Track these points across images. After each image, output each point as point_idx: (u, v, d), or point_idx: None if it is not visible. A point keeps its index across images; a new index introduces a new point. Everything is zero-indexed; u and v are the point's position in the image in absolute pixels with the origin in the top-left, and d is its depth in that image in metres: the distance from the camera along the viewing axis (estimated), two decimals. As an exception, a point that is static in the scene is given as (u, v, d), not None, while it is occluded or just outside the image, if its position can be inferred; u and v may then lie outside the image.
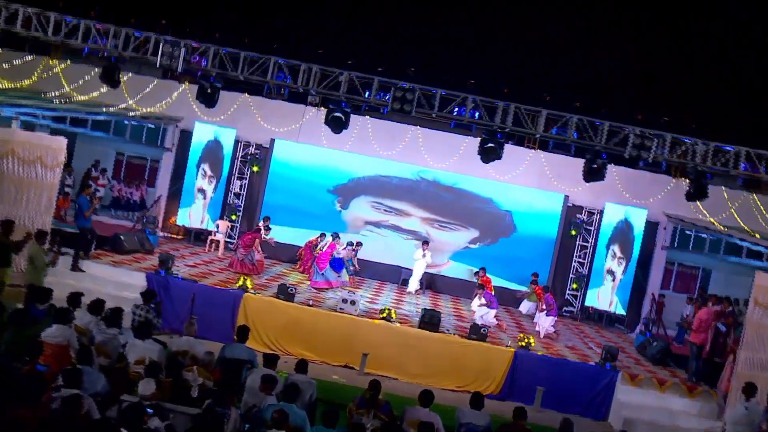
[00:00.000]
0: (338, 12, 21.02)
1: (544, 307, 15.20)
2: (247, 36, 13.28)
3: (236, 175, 19.38)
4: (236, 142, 19.18)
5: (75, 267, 13.25)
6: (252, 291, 13.26)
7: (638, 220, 17.79)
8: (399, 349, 12.81)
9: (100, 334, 8.87)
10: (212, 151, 18.97)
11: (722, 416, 11.89)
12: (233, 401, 7.93)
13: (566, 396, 12.52)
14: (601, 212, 18.61)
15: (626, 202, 18.31)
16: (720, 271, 19.23)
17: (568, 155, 19.12)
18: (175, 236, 19.27)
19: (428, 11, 21.47)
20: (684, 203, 17.75)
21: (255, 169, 19.25)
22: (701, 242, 18.91)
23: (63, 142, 13.18)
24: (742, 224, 16.47)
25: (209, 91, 12.69)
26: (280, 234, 17.67)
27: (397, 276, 18.69)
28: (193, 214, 18.93)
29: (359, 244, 17.40)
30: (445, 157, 18.91)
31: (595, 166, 12.15)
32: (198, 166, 18.95)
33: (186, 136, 19.33)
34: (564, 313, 18.16)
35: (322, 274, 15.58)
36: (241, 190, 19.43)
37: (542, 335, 14.94)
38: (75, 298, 9.34)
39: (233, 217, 19.21)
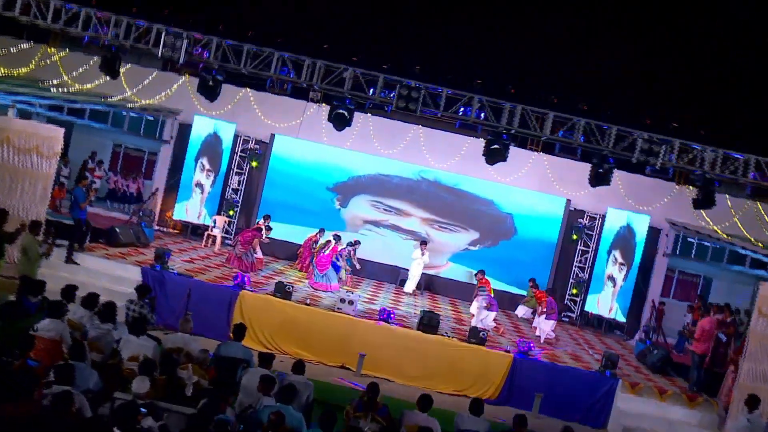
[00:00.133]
0: (344, 7, 20.78)
1: (544, 310, 15.02)
2: (251, 29, 13.02)
3: (235, 170, 19.16)
4: (236, 136, 18.95)
5: (69, 259, 13.04)
6: (249, 288, 13.05)
7: (641, 226, 17.64)
8: (397, 351, 12.64)
9: (94, 329, 8.72)
10: (211, 145, 18.73)
11: (723, 427, 11.78)
12: (228, 401, 7.80)
13: (565, 403, 12.39)
14: (603, 217, 18.45)
15: (628, 207, 18.15)
16: (721, 280, 19.10)
17: (570, 158, 18.96)
18: (171, 230, 19.03)
19: (436, 9, 21.25)
20: (687, 210, 17.68)
21: (254, 164, 19.03)
22: (703, 250, 18.74)
23: (60, 131, 12.92)
24: (746, 233, 16.33)
25: (211, 84, 12.46)
26: (278, 231, 17.45)
27: (396, 276, 18.50)
28: (190, 209, 18.69)
29: (357, 242, 17.22)
30: (447, 157, 18.72)
31: (601, 170, 11.97)
32: (196, 160, 18.71)
33: (185, 129, 19.09)
34: (563, 319, 17.99)
35: (324, 275, 15.39)
36: (239, 185, 19.21)
37: (542, 340, 14.77)
38: (69, 291, 9.19)
39: (231, 212, 18.97)
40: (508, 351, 12.84)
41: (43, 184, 12.66)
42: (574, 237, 18.51)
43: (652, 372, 14.03)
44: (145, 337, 8.63)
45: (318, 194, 18.95)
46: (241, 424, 7.26)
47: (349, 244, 16.75)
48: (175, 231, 19.08)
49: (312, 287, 15.18)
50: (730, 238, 15.74)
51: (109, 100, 17.30)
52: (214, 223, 18.25)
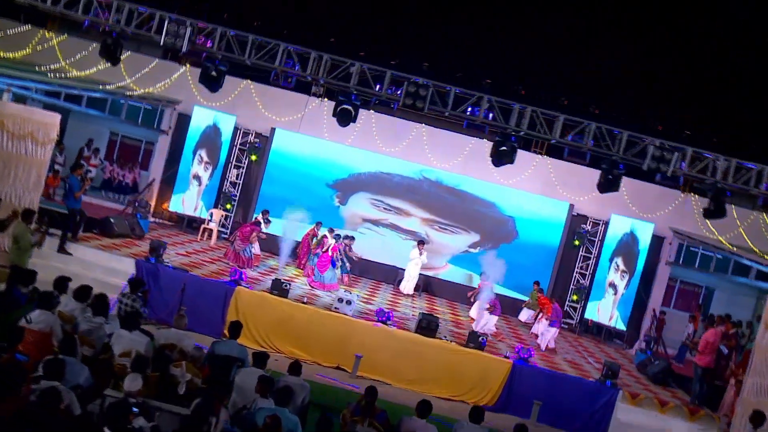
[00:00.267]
0: (353, 1, 20.43)
1: (548, 316, 14.78)
2: (257, 19, 12.71)
3: (233, 163, 18.85)
4: (235, 129, 18.64)
5: (62, 249, 12.73)
6: (245, 284, 12.77)
7: (644, 233, 17.42)
8: (394, 354, 12.41)
9: (86, 323, 8.46)
10: (210, 137, 18.42)
11: (724, 442, 11.58)
12: (224, 401, 7.57)
13: (564, 412, 12.19)
14: (607, 223, 18.22)
15: (632, 214, 17.93)
16: (723, 291, 18.92)
17: (576, 163, 18.72)
18: (166, 222, 18.72)
19: (446, 6, 20.93)
20: (691, 219, 17.53)
21: (253, 158, 18.73)
22: (707, 260, 18.52)
23: (56, 118, 12.59)
24: (751, 244, 16.13)
25: (214, 74, 12.14)
26: (275, 227, 17.16)
27: (394, 277, 18.22)
28: (187, 201, 18.38)
29: (352, 238, 16.95)
30: (450, 157, 18.47)
31: (610, 176, 11.72)
32: (194, 152, 18.40)
33: (184, 119, 18.77)
34: (562, 325, 17.72)
35: (323, 276, 15.12)
36: (237, 178, 18.90)
37: (543, 347, 14.54)
38: (62, 282, 8.99)
39: (228, 206, 18.66)
40: (507, 357, 12.59)
41: (37, 171, 12.33)
42: (576, 242, 18.29)
43: (653, 383, 13.83)
44: (137, 332, 8.39)
45: (317, 190, 18.65)
46: (236, 426, 7.05)
47: (345, 237, 16.42)
48: (170, 223, 18.77)
49: (310, 286, 14.90)
50: (735, 248, 15.51)
51: (108, 87, 16.97)
52: (211, 216, 17.95)
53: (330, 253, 15.34)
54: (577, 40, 20.22)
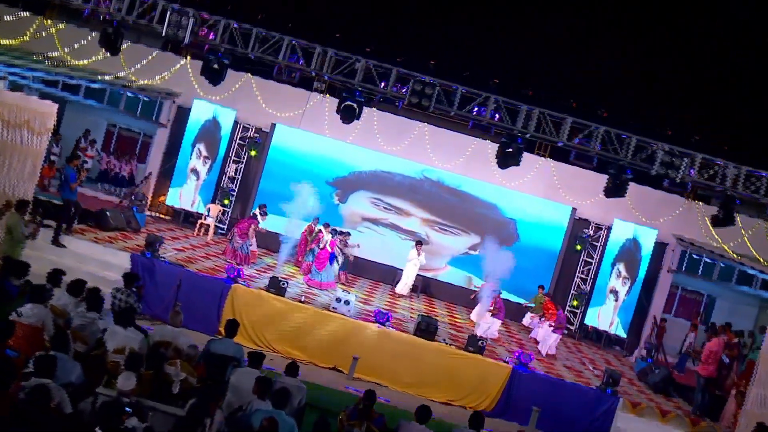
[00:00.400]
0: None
1: (552, 323, 14.57)
2: (261, 12, 12.47)
3: (232, 158, 18.60)
4: (235, 123, 18.39)
5: (56, 241, 12.49)
6: (242, 281, 12.54)
7: (647, 240, 17.23)
8: (391, 356, 12.23)
9: (79, 318, 8.31)
10: (209, 130, 18.16)
11: (725, 454, 11.41)
12: (219, 402, 7.39)
13: (563, 419, 12.02)
14: (609, 228, 18.03)
15: (635, 220, 17.74)
16: (725, 300, 18.77)
17: (582, 167, 18.50)
18: (163, 216, 18.46)
19: (455, 4, 20.69)
20: (695, 226, 17.35)
21: (253, 153, 18.48)
22: (710, 268, 18.33)
23: (53, 107, 12.33)
24: (755, 253, 15.95)
25: (216, 67, 11.89)
26: (273, 224, 16.92)
27: (392, 277, 17.97)
28: (184, 195, 18.11)
29: (347, 234, 16.70)
30: (452, 157, 18.26)
31: (617, 182, 11.51)
32: (193, 146, 18.13)
33: (183, 112, 18.51)
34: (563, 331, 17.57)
35: (320, 273, 14.89)
36: (236, 174, 18.65)
37: (544, 353, 14.35)
38: (55, 275, 8.85)
39: (226, 201, 18.41)
40: (507, 362, 12.40)
41: (32, 161, 12.07)
42: (578, 247, 18.10)
43: (654, 392, 13.65)
44: (132, 328, 8.19)
45: (317, 188, 18.35)
46: (229, 427, 6.87)
47: (340, 233, 16.15)
48: (167, 217, 18.51)
49: (307, 284, 14.68)
50: (740, 257, 15.33)
51: (106, 77, 16.69)
52: (208, 211, 17.69)
53: (329, 249, 15.10)
54: (586, 41, 20.07)
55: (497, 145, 17.79)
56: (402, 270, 17.32)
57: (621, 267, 17.46)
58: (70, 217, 13.01)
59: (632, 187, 17.07)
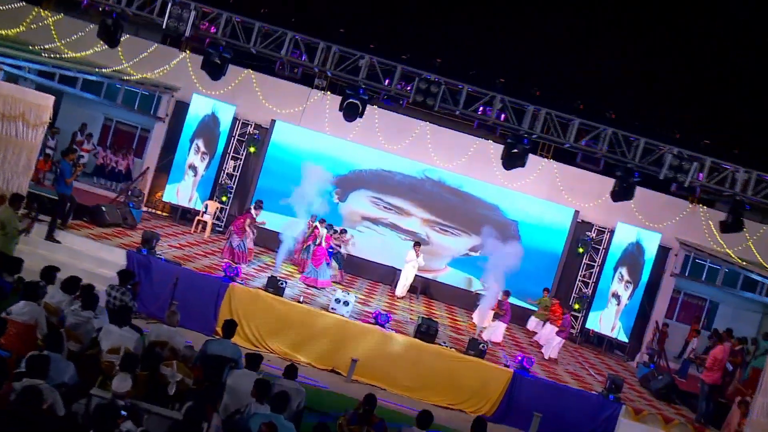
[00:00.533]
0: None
1: (558, 326, 14.37)
2: (264, 5, 12.21)
3: (231, 154, 18.34)
4: (234, 119, 18.13)
5: (50, 237, 12.24)
6: (239, 280, 12.31)
7: (651, 244, 17.03)
8: (391, 358, 12.05)
9: (73, 316, 8.14)
10: (208, 126, 17.89)
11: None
12: (217, 405, 7.20)
13: (565, 425, 11.88)
14: (612, 232, 17.84)
15: (638, 223, 17.55)
16: (728, 305, 18.59)
17: (579, 168, 18.31)
18: (159, 213, 18.20)
19: (461, 0, 20.43)
20: (699, 230, 17.17)
21: (252, 150, 18.22)
22: (714, 273, 18.13)
23: (50, 99, 12.06)
24: (760, 259, 15.76)
25: (217, 61, 11.64)
26: (272, 222, 16.68)
27: (392, 278, 17.77)
28: (182, 192, 17.83)
29: (344, 231, 16.45)
30: (453, 157, 18.05)
31: (625, 185, 11.31)
32: (191, 141, 17.86)
33: (181, 107, 18.24)
34: (564, 335, 17.40)
35: (317, 270, 14.65)
36: (234, 170, 18.39)
37: (547, 356, 14.15)
38: (49, 272, 8.68)
39: (224, 198, 18.13)
40: (508, 366, 12.20)
41: (27, 154, 11.82)
42: (580, 250, 17.90)
43: (656, 398, 13.46)
44: (127, 327, 8.00)
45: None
46: (227, 431, 6.78)
47: (334, 230, 15.88)
48: (163, 213, 18.25)
49: (303, 282, 14.45)
50: (745, 263, 15.14)
51: (104, 70, 16.40)
52: (206, 208, 17.44)
53: (324, 245, 14.85)
54: (593, 42, 19.86)
55: (499, 145, 17.81)
56: (401, 270, 17.13)
57: (623, 271, 17.27)
58: (65, 212, 12.76)
59: (636, 190, 17.02)
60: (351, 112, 11.88)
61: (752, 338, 15.53)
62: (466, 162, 18.01)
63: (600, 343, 17.68)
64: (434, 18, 20.86)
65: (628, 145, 11.38)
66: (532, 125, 11.47)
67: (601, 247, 17.98)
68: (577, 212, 17.98)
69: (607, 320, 17.28)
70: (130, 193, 16.37)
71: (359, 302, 14.19)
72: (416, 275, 16.83)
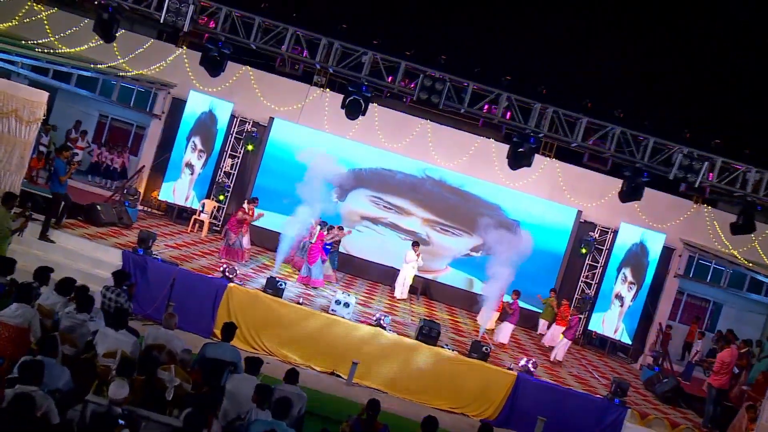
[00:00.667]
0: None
1: (565, 327, 14.16)
2: (265, 0, 11.92)
3: (228, 152, 18.07)
4: (232, 117, 17.86)
5: (44, 236, 11.97)
6: (237, 281, 12.05)
7: (655, 244, 16.82)
8: (392, 361, 11.83)
9: (68, 319, 7.86)
10: (205, 123, 17.60)
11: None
12: (217, 412, 6.96)
13: (569, 429, 11.66)
14: (615, 232, 17.63)
15: (642, 223, 17.34)
16: (731, 306, 18.41)
17: (581, 167, 18.09)
18: (155, 212, 17.90)
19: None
20: (703, 231, 16.98)
21: (249, 148, 17.93)
22: (719, 274, 17.94)
23: (43, 96, 11.80)
24: (766, 259, 15.56)
25: (216, 56, 11.36)
26: (271, 221, 16.41)
27: (391, 278, 17.48)
28: (178, 190, 17.54)
29: (340, 228, 16.21)
30: (454, 156, 17.81)
31: (633, 185, 11.08)
32: (188, 139, 17.57)
33: (178, 104, 17.95)
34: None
35: (311, 269, 14.39)
36: (232, 169, 18.11)
37: (552, 357, 13.94)
38: (43, 273, 8.43)
39: (221, 197, 17.84)
40: (511, 369, 11.98)
41: (20, 152, 11.55)
42: (583, 250, 17.68)
43: (662, 402, 13.28)
44: (124, 330, 7.71)
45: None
46: None
47: (330, 227, 15.61)
48: (159, 212, 17.95)
49: (299, 282, 14.20)
50: (751, 264, 14.95)
51: (99, 66, 16.09)
52: (203, 207, 17.16)
53: (317, 242, 14.58)
54: (602, 39, 19.60)
55: (501, 143, 17.68)
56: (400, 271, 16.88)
57: (627, 272, 17.06)
58: (60, 211, 12.49)
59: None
60: (353, 110, 11.62)
61: (756, 340, 15.35)
62: (467, 161, 17.78)
63: (603, 345, 17.46)
64: (439, 14, 20.59)
65: (636, 144, 11.16)
66: (539, 124, 11.23)
67: (604, 248, 17.78)
68: (579, 212, 17.77)
69: (610, 322, 17.06)
70: (125, 191, 16.10)
71: (359, 303, 13.95)
72: (416, 276, 16.60)
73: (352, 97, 11.48)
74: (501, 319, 14.41)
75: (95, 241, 12.54)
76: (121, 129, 19.90)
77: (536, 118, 11.21)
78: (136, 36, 17.81)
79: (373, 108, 17.61)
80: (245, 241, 14.80)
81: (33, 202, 12.07)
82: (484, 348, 12.02)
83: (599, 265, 17.78)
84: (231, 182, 18.10)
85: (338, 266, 16.60)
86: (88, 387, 6.61)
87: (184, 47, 17.82)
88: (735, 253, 15.91)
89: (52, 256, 11.41)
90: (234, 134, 18.04)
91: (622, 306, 16.94)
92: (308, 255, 14.60)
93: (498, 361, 12.46)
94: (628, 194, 11.49)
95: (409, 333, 12.37)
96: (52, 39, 16.98)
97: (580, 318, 17.04)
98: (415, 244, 16.23)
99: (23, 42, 15.47)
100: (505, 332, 14.07)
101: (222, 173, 18.08)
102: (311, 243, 14.69)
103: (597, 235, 17.78)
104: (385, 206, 18.04)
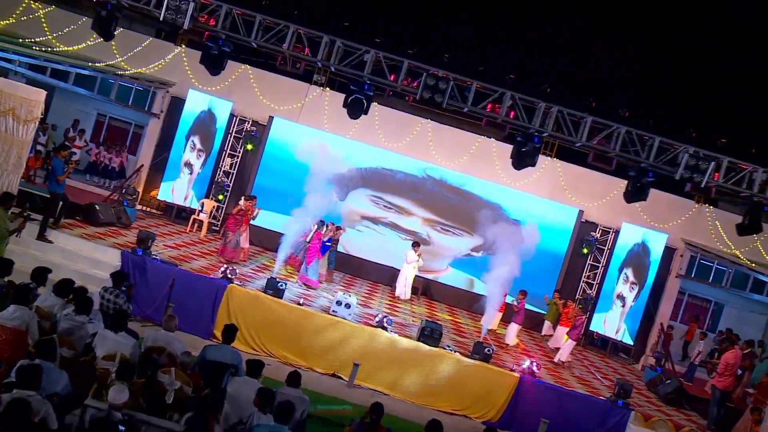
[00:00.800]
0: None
1: (569, 328, 14.06)
2: (266, -3, 11.81)
3: (228, 151, 17.94)
4: (231, 116, 17.72)
5: (41, 236, 11.83)
6: (237, 282, 11.93)
7: (657, 244, 16.73)
8: (393, 362, 11.70)
9: (66, 321, 7.73)
10: (204, 123, 17.46)
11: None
12: (218, 416, 6.85)
13: (573, 431, 11.42)
14: (617, 232, 17.53)
15: (643, 223, 17.25)
16: (733, 307, 18.34)
17: (583, 167, 17.99)
18: (154, 211, 17.76)
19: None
20: (705, 231, 16.90)
21: (249, 147, 17.80)
22: (720, 274, 17.86)
23: (41, 94, 11.65)
24: (768, 259, 15.51)
25: (216, 54, 11.22)
26: (269, 220, 16.28)
27: (392, 278, 17.39)
28: (177, 190, 17.39)
29: (338, 228, 16.10)
30: (455, 155, 17.71)
31: (638, 185, 10.98)
32: (187, 138, 17.42)
33: (177, 103, 17.80)
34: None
35: (308, 268, 14.27)
36: (231, 168, 17.98)
37: (557, 358, 13.84)
38: (40, 273, 8.28)
39: (220, 197, 17.71)
40: (513, 370, 11.87)
41: (17, 151, 11.41)
42: (585, 250, 17.60)
43: (665, 403, 13.18)
44: (123, 333, 7.60)
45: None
46: None
47: (325, 225, 15.49)
48: (158, 212, 17.81)
49: (298, 281, 14.10)
50: (755, 264, 14.86)
51: (97, 65, 15.94)
52: (202, 207, 17.02)
53: (315, 242, 14.46)
54: (607, 38, 19.48)
55: (501, 143, 17.58)
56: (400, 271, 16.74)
57: (629, 272, 16.96)
58: (58, 211, 12.34)
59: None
60: (356, 109, 11.49)
61: (759, 341, 15.29)
62: (468, 160, 17.68)
63: (604, 345, 17.38)
64: (439, 12, 20.45)
65: (641, 144, 11.05)
66: (543, 123, 11.11)
67: (605, 248, 17.69)
68: (581, 212, 17.68)
69: (612, 322, 16.97)
70: (124, 191, 15.96)
71: (360, 304, 13.84)
72: (417, 276, 16.51)
73: (354, 96, 11.35)
74: (508, 320, 14.29)
75: (93, 241, 12.40)
76: (120, 128, 19.77)
77: (540, 118, 11.10)
78: (134, 34, 17.66)
79: (374, 107, 17.35)
80: (243, 240, 14.66)
81: (31, 202, 11.94)
82: (486, 349, 11.92)
83: (601, 265, 17.70)
84: (230, 182, 17.97)
85: (338, 266, 16.49)
86: (86, 390, 6.52)
87: (183, 46, 17.67)
88: (737, 253, 15.83)
89: (50, 257, 11.27)
90: (233, 133, 17.91)
91: (623, 306, 16.85)
92: (306, 254, 14.50)
93: (500, 362, 12.35)
94: (633, 194, 11.38)
95: (410, 334, 12.26)
96: (49, 37, 16.81)
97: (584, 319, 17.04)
98: (416, 245, 16.12)
99: (21, 40, 15.32)
100: (511, 333, 13.95)
101: (221, 173, 17.95)
102: (308, 242, 14.59)
103: (598, 235, 17.69)
104: (385, 206, 17.93)
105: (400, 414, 10.62)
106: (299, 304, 12.00)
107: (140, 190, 17.46)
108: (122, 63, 17.03)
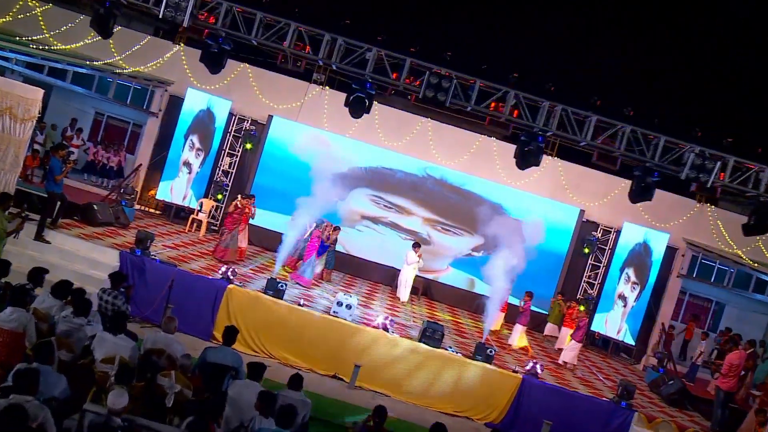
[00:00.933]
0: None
1: (574, 329, 13.95)
2: (267, -7, 11.68)
3: (227, 150, 17.80)
4: (230, 115, 17.58)
5: (39, 236, 11.69)
6: (237, 282, 11.81)
7: (659, 244, 16.63)
8: (395, 363, 11.58)
9: (64, 323, 7.59)
10: (203, 122, 17.31)
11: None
12: (219, 419, 6.75)
13: (576, 433, 11.35)
14: (618, 232, 17.43)
15: (644, 222, 17.16)
16: (734, 306, 18.26)
17: (584, 166, 17.89)
18: (152, 211, 17.61)
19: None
20: (707, 231, 16.81)
21: (248, 146, 17.67)
22: (722, 274, 17.78)
23: (39, 93, 11.52)
24: (771, 259, 15.43)
25: (216, 52, 11.09)
26: (268, 220, 16.14)
27: (392, 278, 17.29)
28: (176, 189, 17.25)
29: (337, 228, 15.98)
30: (455, 154, 17.59)
31: (643, 184, 10.87)
32: (186, 137, 17.27)
33: (175, 102, 17.66)
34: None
35: (304, 266, 14.15)
36: (230, 167, 17.85)
37: (561, 360, 13.74)
38: (38, 274, 8.13)
39: (219, 196, 17.57)
40: (516, 371, 11.77)
41: (15, 150, 11.27)
42: (586, 250, 17.51)
43: (668, 404, 13.08)
44: (122, 335, 7.47)
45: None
46: None
47: (323, 226, 15.35)
48: (157, 212, 17.67)
49: (293, 280, 13.98)
50: (757, 264, 14.78)
51: (95, 63, 15.80)
52: (200, 206, 16.88)
53: (312, 241, 14.34)
54: (611, 36, 19.36)
55: (502, 142, 17.47)
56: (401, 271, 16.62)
57: (630, 272, 16.86)
58: (55, 211, 12.20)
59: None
60: (357, 108, 11.37)
61: (760, 341, 15.21)
62: (468, 159, 17.57)
63: (605, 346, 17.30)
64: (441, 10, 20.32)
65: (647, 143, 10.94)
66: (547, 122, 11.00)
67: (607, 248, 17.61)
68: (582, 211, 17.59)
69: (613, 322, 16.88)
70: (122, 190, 15.82)
71: (360, 304, 13.73)
72: (417, 276, 16.39)
73: (355, 95, 11.22)
74: (511, 320, 14.18)
75: (92, 241, 12.26)
76: (118, 127, 19.62)
77: (544, 116, 10.99)
78: (132, 33, 17.51)
79: (374, 106, 17.29)
80: (241, 239, 14.53)
81: (28, 202, 11.81)
82: (488, 350, 11.82)
83: (602, 265, 17.62)
84: (229, 181, 17.84)
85: (338, 266, 16.36)
86: (85, 394, 6.39)
87: (182, 44, 17.52)
88: (739, 252, 15.75)
89: (48, 257, 11.15)
90: (232, 132, 17.78)
91: (625, 306, 16.76)
92: (303, 252, 14.40)
93: (503, 363, 12.26)
94: (638, 194, 11.28)
95: (411, 335, 12.15)
96: (47, 35, 16.66)
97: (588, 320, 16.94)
98: (416, 245, 16.00)
99: (18, 38, 15.17)
100: (516, 334, 13.84)
101: (220, 172, 17.82)
102: (306, 241, 14.49)
103: (600, 235, 17.61)
104: (385, 205, 17.81)
105: (401, 415, 10.52)
106: (299, 304, 11.89)
107: (138, 189, 17.29)
108: (120, 61, 16.88)
